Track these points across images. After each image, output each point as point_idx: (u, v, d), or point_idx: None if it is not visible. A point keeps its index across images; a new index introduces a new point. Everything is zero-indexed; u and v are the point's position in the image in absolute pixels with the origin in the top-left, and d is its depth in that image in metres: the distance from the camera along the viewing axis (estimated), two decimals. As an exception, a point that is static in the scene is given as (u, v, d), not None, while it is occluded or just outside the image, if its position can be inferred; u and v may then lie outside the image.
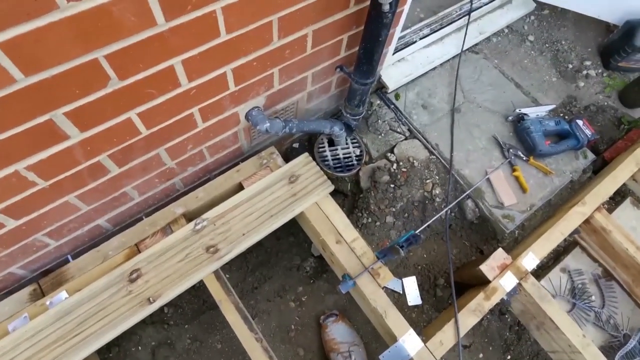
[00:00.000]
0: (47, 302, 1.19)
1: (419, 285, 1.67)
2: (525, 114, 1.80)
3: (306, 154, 1.47)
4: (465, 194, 1.62)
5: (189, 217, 1.39)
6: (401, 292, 1.65)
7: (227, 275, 1.65)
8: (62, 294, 1.20)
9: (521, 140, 1.79)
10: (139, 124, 1.02)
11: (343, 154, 1.77)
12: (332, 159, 1.75)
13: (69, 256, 1.32)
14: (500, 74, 2.01)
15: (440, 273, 1.69)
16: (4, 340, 1.10)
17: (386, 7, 1.06)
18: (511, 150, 1.75)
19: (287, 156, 1.80)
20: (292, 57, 1.21)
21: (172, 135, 1.15)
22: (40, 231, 1.12)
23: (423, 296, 1.66)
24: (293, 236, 1.74)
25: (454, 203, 1.58)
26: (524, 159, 1.74)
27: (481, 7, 2.04)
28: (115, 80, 0.85)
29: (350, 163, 1.75)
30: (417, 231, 1.32)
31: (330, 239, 1.36)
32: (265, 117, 1.30)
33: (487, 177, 1.66)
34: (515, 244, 1.70)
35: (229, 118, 1.27)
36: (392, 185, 1.70)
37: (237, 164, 1.50)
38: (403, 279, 1.68)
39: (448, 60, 1.98)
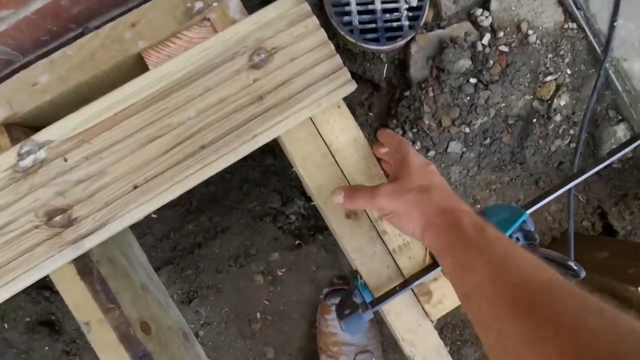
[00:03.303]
0: None
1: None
2: None
3: (298, -8, 0.59)
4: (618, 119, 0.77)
5: (15, 123, 0.62)
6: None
7: (154, 215, 0.95)
8: None
9: None
10: None
11: (383, 6, 0.86)
12: (359, 13, 0.86)
13: None
14: None
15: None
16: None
17: None
18: None
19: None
20: None
21: None
22: None
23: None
24: (273, 156, 0.97)
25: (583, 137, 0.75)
26: None
27: None
28: None
29: (394, 25, 0.86)
30: (529, 211, 0.55)
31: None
32: None
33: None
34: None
35: None
36: (473, 80, 0.85)
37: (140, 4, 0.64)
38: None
39: None
